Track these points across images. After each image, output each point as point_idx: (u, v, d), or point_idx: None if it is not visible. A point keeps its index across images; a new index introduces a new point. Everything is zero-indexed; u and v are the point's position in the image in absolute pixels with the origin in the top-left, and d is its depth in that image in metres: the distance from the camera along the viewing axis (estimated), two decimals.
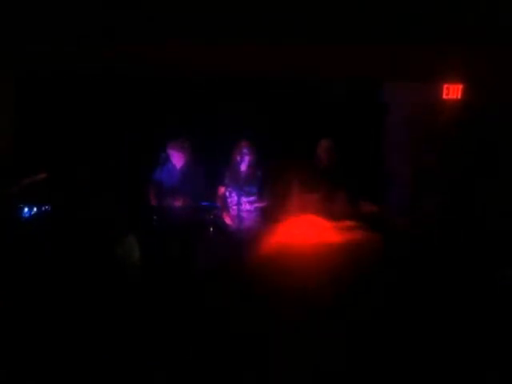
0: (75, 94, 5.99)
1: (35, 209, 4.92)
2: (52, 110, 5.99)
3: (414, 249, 4.45)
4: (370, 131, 6.18)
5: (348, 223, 3.98)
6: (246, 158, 5.04)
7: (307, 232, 3.81)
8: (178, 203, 5.02)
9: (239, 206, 5.03)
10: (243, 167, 5.04)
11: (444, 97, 6.15)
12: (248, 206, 5.05)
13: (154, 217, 4.98)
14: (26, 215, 4.89)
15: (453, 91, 6.17)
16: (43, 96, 6.01)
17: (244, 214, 5.04)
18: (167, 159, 5.13)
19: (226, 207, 5.09)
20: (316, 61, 5.81)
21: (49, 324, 3.41)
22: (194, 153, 5.16)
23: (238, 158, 5.04)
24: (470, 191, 5.70)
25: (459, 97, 6.16)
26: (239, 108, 5.90)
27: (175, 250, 4.64)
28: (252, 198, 5.04)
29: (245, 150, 5.04)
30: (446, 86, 6.16)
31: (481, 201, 5.60)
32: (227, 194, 5.10)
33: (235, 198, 5.05)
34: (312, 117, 6.02)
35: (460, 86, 6.16)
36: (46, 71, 5.92)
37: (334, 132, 5.66)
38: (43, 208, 4.97)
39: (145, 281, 4.29)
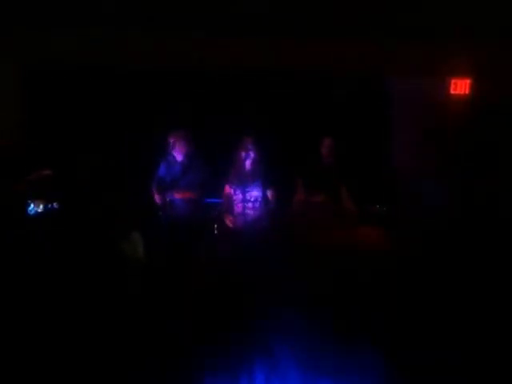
0: (81, 89, 6.02)
1: (41, 206, 4.96)
2: (58, 104, 6.02)
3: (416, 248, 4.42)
4: (376, 127, 6.18)
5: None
6: (251, 155, 5.03)
7: None
8: (183, 195, 5.03)
9: (244, 204, 5.04)
10: (248, 164, 5.04)
11: (452, 92, 6.12)
12: (253, 203, 5.05)
13: (160, 213, 5.00)
14: (33, 212, 4.93)
15: (460, 86, 6.13)
16: (50, 90, 6.05)
17: (249, 211, 5.04)
18: (167, 152, 5.13)
19: (229, 207, 5.06)
20: (319, 57, 5.81)
21: (51, 320, 3.45)
22: (194, 145, 5.15)
23: (243, 155, 5.03)
24: (472, 187, 5.67)
25: (467, 92, 6.12)
26: (242, 105, 5.92)
27: (179, 247, 4.67)
28: (257, 195, 5.05)
29: (249, 147, 5.03)
30: (453, 80, 6.13)
31: (484, 197, 5.57)
32: (232, 191, 5.08)
33: (240, 195, 5.06)
34: (316, 114, 6.03)
35: (468, 81, 6.12)
36: (51, 65, 5.95)
37: (339, 129, 5.68)
38: (49, 205, 5.01)
39: (149, 276, 4.32)
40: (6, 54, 5.69)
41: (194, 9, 5.03)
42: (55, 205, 4.96)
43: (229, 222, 5.01)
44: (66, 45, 5.64)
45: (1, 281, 3.83)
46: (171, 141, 5.05)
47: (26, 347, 3.14)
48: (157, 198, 5.08)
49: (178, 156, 5.10)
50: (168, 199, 5.03)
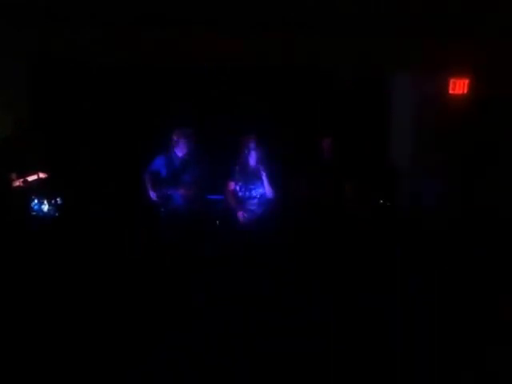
0: (85, 85, 6.02)
1: (45, 201, 4.99)
2: (62, 98, 6.03)
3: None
4: (375, 126, 6.24)
5: None
6: (253, 153, 5.09)
7: None
8: (182, 191, 5.08)
9: (250, 200, 5.10)
10: (252, 162, 5.09)
11: (450, 91, 6.17)
12: (258, 200, 5.10)
13: (162, 209, 5.04)
14: (36, 207, 4.96)
15: (459, 86, 6.17)
16: (55, 85, 6.06)
17: (253, 207, 5.10)
18: (170, 146, 5.17)
19: (238, 202, 5.13)
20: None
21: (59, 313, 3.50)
22: (196, 143, 5.20)
23: (246, 153, 5.10)
24: (472, 186, 5.76)
25: (465, 91, 6.16)
26: (243, 104, 5.96)
27: (181, 242, 4.72)
28: (261, 192, 5.10)
29: (252, 145, 5.10)
30: (452, 80, 6.17)
31: (481, 194, 5.66)
32: (237, 188, 5.15)
33: (245, 192, 5.12)
34: (317, 112, 6.08)
35: (466, 81, 6.16)
36: (57, 60, 5.95)
37: (339, 127, 5.75)
38: (53, 201, 5.04)
39: (150, 267, 4.38)
40: (15, 47, 5.69)
41: (195, 7, 5.05)
42: (59, 200, 5.00)
43: (240, 215, 5.07)
44: (72, 41, 5.65)
45: (5, 271, 3.90)
46: (175, 138, 5.12)
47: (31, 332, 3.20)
48: (152, 194, 5.11)
49: (180, 153, 5.17)
50: (167, 194, 5.08)
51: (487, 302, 3.65)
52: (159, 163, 5.19)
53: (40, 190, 5.05)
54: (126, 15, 5.35)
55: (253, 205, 5.10)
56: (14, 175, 5.02)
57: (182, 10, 5.18)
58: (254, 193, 5.10)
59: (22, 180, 4.98)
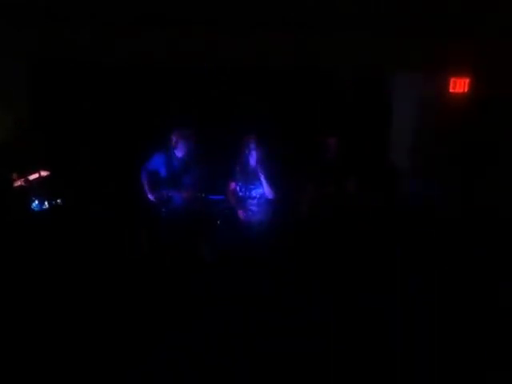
0: (85, 85, 6.01)
1: (46, 202, 4.99)
2: (62, 99, 6.02)
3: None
4: (375, 125, 6.24)
5: None
6: (254, 153, 5.09)
7: None
8: (185, 194, 5.07)
9: (250, 200, 5.10)
10: (252, 162, 5.10)
11: (451, 90, 6.17)
12: (258, 200, 5.11)
13: (163, 209, 5.04)
14: (37, 208, 4.96)
15: (459, 85, 6.17)
16: (55, 85, 6.05)
17: (254, 208, 5.10)
18: (169, 147, 5.14)
19: (239, 202, 5.12)
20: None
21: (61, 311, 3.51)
22: (196, 143, 5.16)
23: (246, 153, 5.10)
24: (472, 186, 5.76)
25: (466, 90, 6.16)
26: (244, 104, 5.95)
27: (181, 242, 4.73)
28: (261, 192, 5.10)
29: (252, 145, 5.10)
30: (452, 79, 6.17)
31: (481, 194, 5.67)
32: (237, 188, 5.15)
33: (245, 192, 5.11)
34: (318, 111, 6.08)
35: (467, 80, 6.16)
36: (57, 60, 5.94)
37: (340, 126, 5.74)
38: (53, 202, 5.05)
39: (150, 267, 4.40)
40: (15, 47, 5.69)
41: (195, 7, 5.04)
42: (59, 201, 5.00)
43: (241, 214, 5.07)
44: (72, 41, 5.65)
45: (5, 273, 3.90)
46: (174, 139, 5.10)
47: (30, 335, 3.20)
48: (150, 196, 5.08)
49: (179, 154, 5.14)
50: (166, 195, 5.06)
51: (487, 301, 3.65)
52: (158, 162, 5.15)
53: (41, 189, 5.05)
54: (126, 15, 5.34)
55: (253, 205, 5.09)
56: (14, 175, 5.02)
57: (181, 10, 5.16)
58: (253, 193, 5.09)
59: (23, 179, 4.97)
